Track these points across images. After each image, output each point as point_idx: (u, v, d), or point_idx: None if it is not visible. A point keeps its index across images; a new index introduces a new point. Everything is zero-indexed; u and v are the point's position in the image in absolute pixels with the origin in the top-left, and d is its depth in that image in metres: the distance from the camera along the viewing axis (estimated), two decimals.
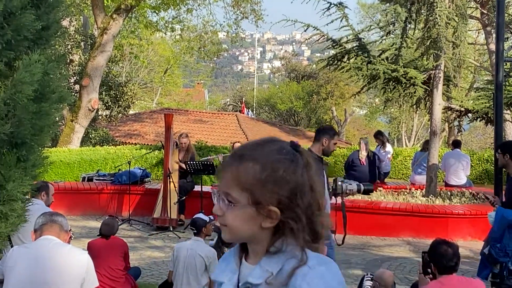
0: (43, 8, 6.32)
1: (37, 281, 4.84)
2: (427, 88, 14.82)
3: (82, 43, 26.93)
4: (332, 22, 15.53)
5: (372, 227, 13.37)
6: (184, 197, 13.67)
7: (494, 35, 17.80)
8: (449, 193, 15.17)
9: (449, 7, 14.23)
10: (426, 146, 16.01)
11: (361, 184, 8.69)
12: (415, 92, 14.87)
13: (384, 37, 15.88)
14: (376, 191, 15.19)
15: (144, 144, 24.32)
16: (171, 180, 13.38)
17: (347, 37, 15.75)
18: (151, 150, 18.36)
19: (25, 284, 4.84)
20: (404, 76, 14.67)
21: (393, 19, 15.03)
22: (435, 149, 14.86)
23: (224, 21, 35.21)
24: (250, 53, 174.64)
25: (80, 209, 14.69)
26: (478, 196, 14.85)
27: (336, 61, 15.70)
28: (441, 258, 5.50)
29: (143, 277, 9.75)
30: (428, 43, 14.27)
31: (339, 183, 8.36)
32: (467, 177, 16.47)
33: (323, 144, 8.01)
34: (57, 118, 6.91)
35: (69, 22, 25.38)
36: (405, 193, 15.31)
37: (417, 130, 47.96)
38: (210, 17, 39.07)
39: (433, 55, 14.57)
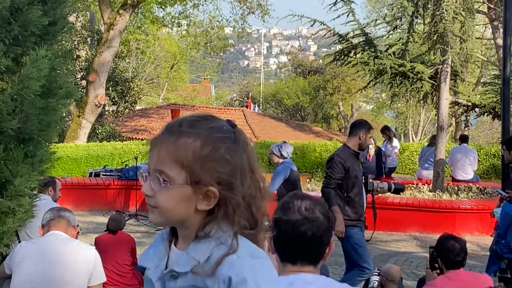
0: (50, 3, 6.32)
1: (44, 277, 4.85)
2: (434, 83, 14.78)
3: (88, 39, 26.96)
4: (338, 17, 15.51)
5: (379, 222, 13.32)
6: None
7: (501, 30, 17.74)
8: (456, 188, 15.14)
9: (456, 2, 14.19)
10: (433, 141, 15.98)
11: (392, 183, 8.75)
12: (422, 87, 14.85)
13: (391, 32, 15.84)
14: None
15: (151, 139, 24.31)
16: None
17: (353, 32, 15.73)
18: None
19: (33, 279, 4.85)
20: (411, 70, 14.64)
21: (399, 14, 15.00)
22: (442, 144, 14.83)
23: (230, 16, 35.13)
24: (256, 48, 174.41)
25: (87, 204, 14.72)
26: (485, 191, 14.83)
27: (342, 56, 15.68)
28: (448, 253, 5.49)
29: None
30: (434, 38, 14.23)
31: (371, 180, 8.39)
32: (474, 172, 16.45)
33: (360, 138, 7.84)
34: (64, 114, 6.92)
35: (76, 17, 25.40)
36: (412, 188, 15.28)
37: (424, 125, 47.87)
38: (217, 12, 39.14)
39: (440, 49, 14.53)
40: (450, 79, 14.89)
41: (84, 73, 24.33)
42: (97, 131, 25.61)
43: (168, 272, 2.00)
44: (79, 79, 24.48)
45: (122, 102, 26.93)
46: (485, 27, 32.61)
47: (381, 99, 49.57)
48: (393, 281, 7.82)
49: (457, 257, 5.47)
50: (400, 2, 14.58)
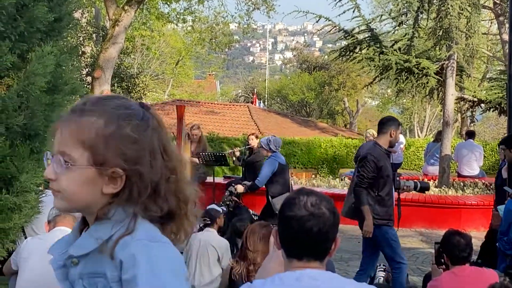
0: (56, 0, 6.33)
1: (51, 273, 4.86)
2: (440, 78, 14.76)
3: (94, 35, 26.96)
4: (344, 12, 15.51)
5: None
6: None
7: (507, 25, 17.70)
8: (462, 183, 15.13)
9: None
10: (438, 137, 15.97)
11: (417, 182, 8.77)
12: (427, 82, 14.83)
13: (397, 28, 15.82)
14: None
15: None
16: None
17: (359, 28, 15.72)
18: None
19: (39, 275, 4.86)
20: (416, 66, 14.62)
21: (405, 9, 14.98)
22: (447, 139, 14.82)
23: (235, 12, 35.13)
24: (261, 44, 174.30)
25: None
26: (491, 186, 14.82)
27: (348, 52, 15.67)
28: (454, 249, 5.49)
29: None
30: (440, 33, 14.21)
31: (398, 178, 8.39)
32: (480, 167, 16.42)
33: (391, 135, 7.77)
34: None
35: (81, 14, 25.41)
36: None
37: (430, 121, 47.80)
38: (222, 8, 39.20)
39: (446, 45, 14.51)
40: (456, 75, 14.86)
41: (90, 69, 24.34)
42: None
43: (68, 258, 1.92)
44: (84, 75, 24.48)
45: None
46: (491, 23, 32.54)
47: (386, 95, 49.54)
48: None
49: (462, 252, 5.47)
50: None
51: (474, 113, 25.84)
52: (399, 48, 15.35)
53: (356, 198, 7.52)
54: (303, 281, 2.49)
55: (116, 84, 25.71)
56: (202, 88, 58.24)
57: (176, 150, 1.98)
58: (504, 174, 9.16)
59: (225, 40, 38.40)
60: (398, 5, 15.14)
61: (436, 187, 14.71)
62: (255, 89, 53.02)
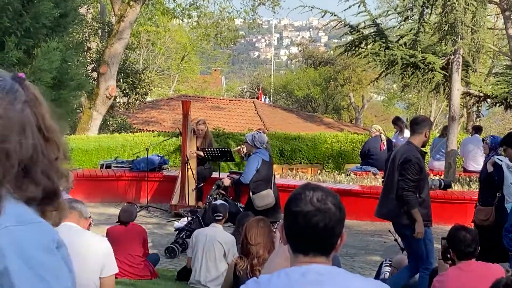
0: None
1: None
2: (446, 73, 14.74)
3: (99, 31, 26.97)
4: (349, 7, 15.48)
5: None
6: (202, 184, 13.68)
7: None
8: (467, 179, 15.11)
9: None
10: (444, 132, 15.94)
11: (441, 180, 8.80)
12: (433, 77, 14.80)
13: (402, 23, 15.79)
14: None
15: (162, 131, 24.33)
16: (189, 167, 13.40)
17: (364, 23, 15.69)
18: (168, 137, 18.38)
19: None
20: (422, 61, 14.60)
21: (410, 4, 14.95)
22: (453, 135, 14.79)
23: (241, 8, 35.12)
24: (267, 39, 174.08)
25: (98, 196, 14.75)
26: None
27: (353, 47, 15.64)
28: (459, 244, 5.49)
29: (161, 263, 9.79)
30: (445, 28, 14.18)
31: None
32: None
33: (425, 136, 7.80)
34: (75, 106, 6.95)
35: (87, 9, 25.41)
36: None
37: (436, 116, 47.74)
38: (227, 4, 39.21)
39: (451, 40, 14.48)
40: (462, 70, 14.83)
41: (95, 65, 24.36)
42: (108, 122, 25.66)
43: None
44: (90, 71, 24.49)
45: (133, 94, 26.96)
46: (497, 17, 32.42)
47: (392, 90, 49.48)
48: None
49: (468, 247, 5.47)
50: None
51: (480, 108, 25.77)
52: (405, 43, 15.32)
53: (405, 202, 7.54)
54: (309, 276, 2.49)
55: (121, 80, 25.73)
56: (207, 84, 58.28)
57: (55, 125, 1.82)
58: (490, 168, 9.18)
59: (231, 36, 38.43)
60: (404, 0, 15.11)
61: None
62: (261, 85, 53.03)
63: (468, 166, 16.06)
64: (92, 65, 24.86)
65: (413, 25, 15.91)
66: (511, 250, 7.40)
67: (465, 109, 32.51)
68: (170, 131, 23.76)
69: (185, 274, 8.78)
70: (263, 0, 31.06)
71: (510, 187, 8.74)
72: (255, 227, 6.35)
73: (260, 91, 47.21)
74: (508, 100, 15.04)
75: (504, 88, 15.30)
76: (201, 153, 13.80)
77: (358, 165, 17.01)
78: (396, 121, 17.68)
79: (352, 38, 15.80)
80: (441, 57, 14.88)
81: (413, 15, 15.44)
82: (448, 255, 5.75)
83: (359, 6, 15.40)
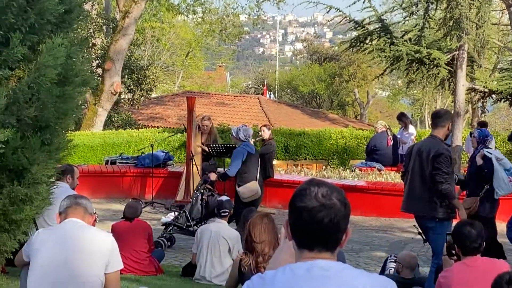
0: None
1: (62, 263, 4.88)
2: (451, 69, 14.72)
3: (104, 27, 26.98)
4: (354, 3, 15.47)
5: (396, 209, 13.29)
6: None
7: None
8: None
9: None
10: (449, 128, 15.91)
11: (456, 175, 8.90)
12: (438, 73, 14.78)
13: (407, 18, 15.78)
14: (398, 173, 15.19)
15: (167, 127, 24.35)
16: (194, 162, 13.41)
17: (369, 19, 15.67)
18: (173, 133, 18.40)
19: (51, 266, 4.88)
20: (427, 57, 14.58)
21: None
22: (458, 130, 14.77)
23: (245, 3, 35.19)
24: (271, 35, 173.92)
25: (103, 192, 14.78)
26: None
27: (358, 43, 15.64)
28: (465, 240, 5.49)
29: (166, 259, 9.81)
30: (450, 24, 14.16)
31: None
32: None
33: (448, 129, 7.99)
34: (80, 102, 6.95)
35: (91, 5, 25.45)
36: None
37: None
38: (232, 0, 39.25)
39: (456, 35, 14.45)
40: (467, 65, 14.81)
41: (100, 61, 24.37)
42: (113, 119, 25.68)
43: None
44: (95, 67, 24.52)
45: (137, 90, 26.97)
46: (502, 13, 32.36)
47: (397, 86, 49.40)
48: (410, 268, 7.83)
49: (473, 243, 5.46)
50: None
51: (485, 103, 25.77)
52: (410, 39, 15.31)
53: (444, 195, 7.61)
54: (314, 272, 2.49)
55: (126, 76, 25.74)
56: (212, 80, 58.25)
57: None
58: (479, 161, 9.24)
59: (235, 32, 38.45)
60: None
61: None
62: (265, 81, 52.97)
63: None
64: (97, 61, 24.87)
65: (418, 20, 15.89)
66: None
67: (470, 105, 32.44)
68: (175, 127, 23.78)
69: (190, 270, 8.79)
70: None
71: (500, 180, 8.87)
72: (259, 223, 6.32)
73: (265, 87, 47.17)
74: None
75: (509, 83, 15.27)
76: (206, 148, 13.81)
77: (363, 161, 17.00)
78: (401, 117, 17.67)
79: (357, 34, 15.79)
80: (446, 53, 14.86)
81: (418, 11, 15.42)
82: (453, 251, 5.75)
83: (363, 2, 15.39)
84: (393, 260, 8.39)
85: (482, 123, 16.87)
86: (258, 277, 2.60)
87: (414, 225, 8.88)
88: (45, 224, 7.18)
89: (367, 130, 20.97)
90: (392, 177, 14.94)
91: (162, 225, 11.04)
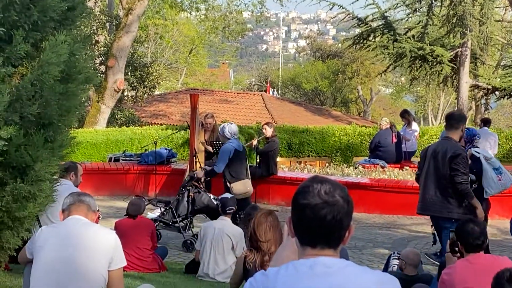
0: None
1: (65, 261, 4.88)
2: (454, 66, 14.72)
3: (107, 24, 26.97)
4: (357, 0, 15.47)
5: (399, 206, 13.33)
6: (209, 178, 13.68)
7: None
8: None
9: None
10: None
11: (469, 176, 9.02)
12: (441, 70, 14.79)
13: (411, 15, 15.77)
14: (402, 170, 15.20)
15: (170, 124, 24.35)
16: (197, 160, 13.40)
17: (372, 16, 15.68)
18: (177, 131, 18.39)
19: (54, 263, 4.88)
20: (430, 54, 14.58)
21: None
22: None
23: (248, 1, 35.15)
24: (275, 32, 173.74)
25: (107, 189, 14.78)
26: None
27: (361, 40, 15.65)
28: (468, 237, 5.48)
29: (170, 256, 9.81)
30: (454, 21, 14.15)
31: None
32: (495, 155, 16.33)
33: (462, 131, 8.18)
34: (83, 99, 6.95)
35: (94, 2, 25.40)
36: None
37: (444, 109, 47.62)
38: None
39: (460, 32, 14.44)
40: (470, 62, 14.81)
41: (103, 58, 24.37)
42: (116, 116, 25.68)
43: None
44: (98, 64, 24.52)
45: (141, 87, 26.96)
46: (505, 10, 32.32)
47: (400, 83, 49.38)
48: (413, 264, 7.81)
49: (476, 240, 5.46)
50: None
51: (488, 100, 25.72)
52: (413, 36, 15.31)
53: (464, 195, 7.85)
54: (316, 269, 2.49)
55: (129, 73, 25.73)
56: (215, 77, 58.26)
57: None
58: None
59: (238, 29, 38.41)
60: None
61: None
62: (269, 78, 52.97)
63: None
64: (100, 58, 24.87)
65: (422, 17, 15.89)
66: None
67: (473, 102, 32.43)
68: (178, 124, 23.79)
69: (193, 267, 8.79)
70: None
71: (489, 179, 8.91)
72: (264, 222, 6.30)
73: (268, 84, 47.17)
74: None
75: None
76: (210, 148, 13.80)
77: (367, 158, 16.99)
78: (404, 114, 17.64)
79: (360, 31, 15.81)
80: (449, 50, 14.86)
81: (421, 8, 15.41)
82: (456, 248, 5.74)
83: None
84: (397, 257, 8.38)
85: (485, 120, 16.84)
86: (261, 274, 2.60)
87: (431, 225, 8.94)
88: (48, 222, 7.17)
89: (370, 127, 20.96)
90: (396, 174, 14.94)
91: None
